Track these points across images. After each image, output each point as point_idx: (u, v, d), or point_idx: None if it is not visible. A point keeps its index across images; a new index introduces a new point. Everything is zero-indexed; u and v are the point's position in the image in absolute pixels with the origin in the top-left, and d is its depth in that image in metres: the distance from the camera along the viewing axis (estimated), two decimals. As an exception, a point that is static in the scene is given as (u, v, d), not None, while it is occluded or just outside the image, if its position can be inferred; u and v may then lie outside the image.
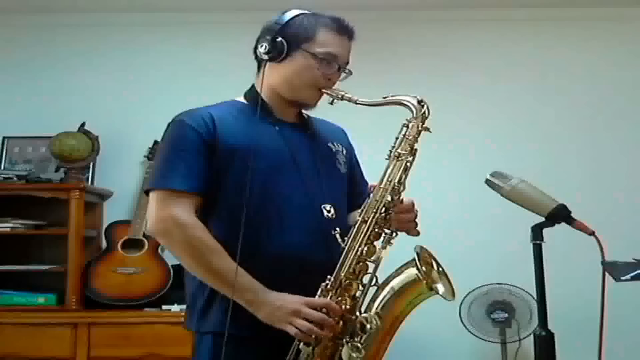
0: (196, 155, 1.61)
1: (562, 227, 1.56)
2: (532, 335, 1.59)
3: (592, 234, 1.52)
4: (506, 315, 3.23)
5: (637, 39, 3.71)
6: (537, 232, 1.56)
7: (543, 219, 1.56)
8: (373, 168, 1.74)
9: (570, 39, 3.72)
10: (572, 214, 1.56)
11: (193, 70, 3.68)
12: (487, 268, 3.40)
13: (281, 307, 1.51)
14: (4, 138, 3.65)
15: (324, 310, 1.52)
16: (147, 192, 1.65)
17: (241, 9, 3.61)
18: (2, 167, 3.57)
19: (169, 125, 1.69)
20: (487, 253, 3.48)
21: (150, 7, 3.69)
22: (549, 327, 1.54)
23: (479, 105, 3.67)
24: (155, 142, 3.49)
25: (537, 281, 1.54)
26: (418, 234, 1.69)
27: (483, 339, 3.24)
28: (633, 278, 1.67)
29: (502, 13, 3.69)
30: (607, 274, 1.55)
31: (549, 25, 3.71)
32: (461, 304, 3.19)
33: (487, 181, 1.65)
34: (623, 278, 1.66)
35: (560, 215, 1.55)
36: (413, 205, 1.66)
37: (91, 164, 3.58)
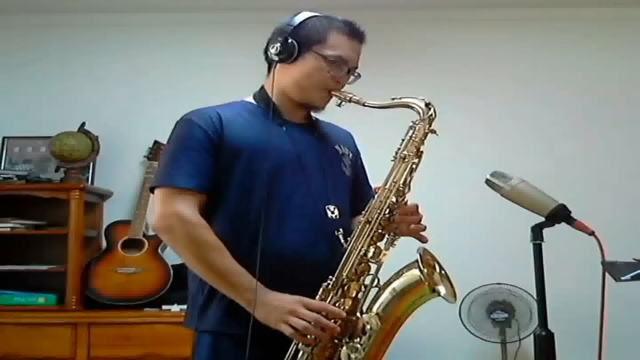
0: (202, 154, 1.61)
1: (562, 227, 1.56)
2: (532, 335, 1.59)
3: (592, 234, 1.52)
4: (506, 315, 3.23)
5: (639, 39, 3.72)
6: (537, 232, 1.56)
7: (543, 219, 1.56)
8: (378, 169, 1.74)
9: (573, 39, 3.72)
10: (572, 214, 1.56)
11: (193, 70, 3.68)
12: (487, 268, 3.40)
13: (278, 306, 1.51)
14: (4, 138, 3.65)
15: (322, 312, 1.51)
16: (152, 190, 1.66)
17: (243, 8, 3.61)
18: (2, 167, 3.57)
19: (176, 123, 1.69)
20: (487, 253, 3.48)
21: (151, 7, 3.69)
22: (549, 327, 1.54)
23: (479, 105, 3.67)
24: (155, 142, 3.49)
25: (537, 281, 1.54)
26: (426, 240, 1.67)
27: (483, 339, 3.24)
28: (633, 278, 1.67)
29: (504, 13, 3.69)
30: (607, 274, 1.55)
31: (551, 25, 3.71)
32: (461, 304, 3.19)
33: (487, 181, 1.65)
34: (623, 278, 1.66)
35: (560, 215, 1.55)
36: (417, 208, 1.65)
37: (91, 164, 3.58)
